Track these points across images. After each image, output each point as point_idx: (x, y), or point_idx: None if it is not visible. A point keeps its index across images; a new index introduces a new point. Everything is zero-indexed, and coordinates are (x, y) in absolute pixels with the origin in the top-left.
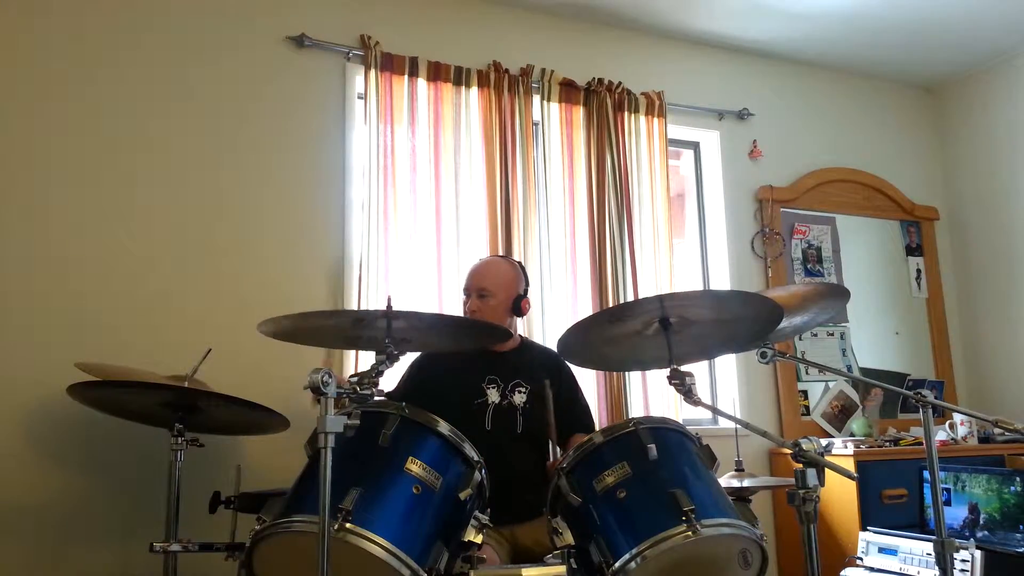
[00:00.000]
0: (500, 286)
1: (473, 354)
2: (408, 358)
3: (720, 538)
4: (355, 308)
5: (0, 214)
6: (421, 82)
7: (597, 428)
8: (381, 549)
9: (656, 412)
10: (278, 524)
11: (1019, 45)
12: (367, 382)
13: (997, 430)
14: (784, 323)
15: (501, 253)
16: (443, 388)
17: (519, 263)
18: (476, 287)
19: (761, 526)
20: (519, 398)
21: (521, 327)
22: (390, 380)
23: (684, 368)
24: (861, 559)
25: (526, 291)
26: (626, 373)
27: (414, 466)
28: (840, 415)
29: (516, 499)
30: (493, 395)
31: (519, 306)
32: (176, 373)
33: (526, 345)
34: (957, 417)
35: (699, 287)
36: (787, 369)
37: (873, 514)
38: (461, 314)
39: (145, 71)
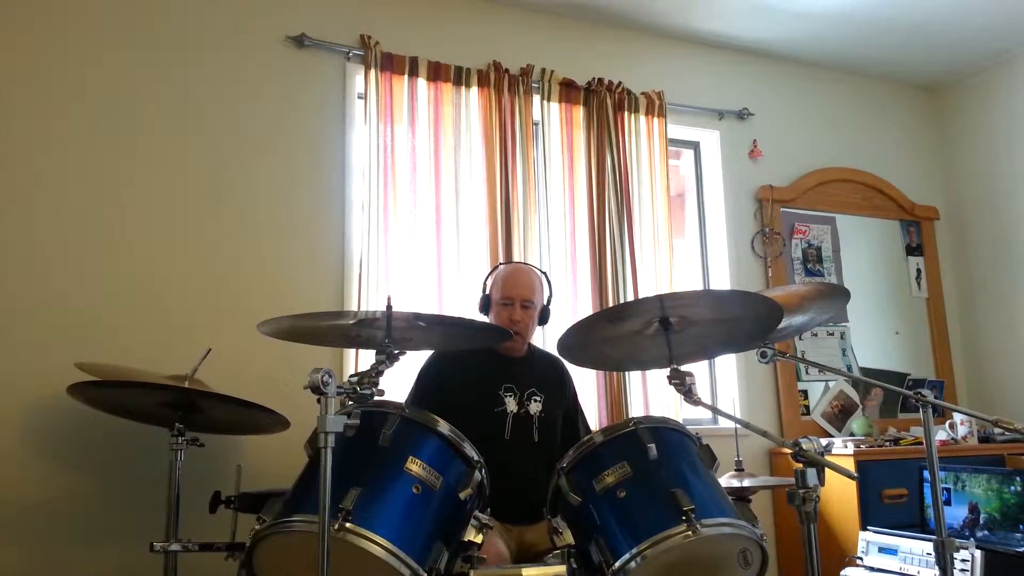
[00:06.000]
0: (540, 297)
1: (487, 361)
2: (410, 359)
3: (720, 538)
4: (355, 308)
5: (0, 214)
6: (421, 82)
7: (597, 429)
8: (381, 549)
9: (656, 412)
10: (278, 524)
11: (1019, 45)
12: (367, 382)
13: (997, 430)
14: (784, 323)
15: (502, 251)
16: (462, 397)
17: (541, 270)
18: (522, 297)
19: (761, 526)
20: (535, 407)
21: None
22: (392, 383)
23: (684, 368)
24: (861, 559)
25: (550, 299)
26: (626, 373)
27: (414, 466)
28: (840, 415)
29: (525, 503)
30: (511, 404)
31: (545, 315)
32: (176, 373)
33: (533, 352)
34: (957, 417)
35: (699, 287)
36: (787, 369)
37: (873, 514)
38: (468, 316)
39: (145, 71)
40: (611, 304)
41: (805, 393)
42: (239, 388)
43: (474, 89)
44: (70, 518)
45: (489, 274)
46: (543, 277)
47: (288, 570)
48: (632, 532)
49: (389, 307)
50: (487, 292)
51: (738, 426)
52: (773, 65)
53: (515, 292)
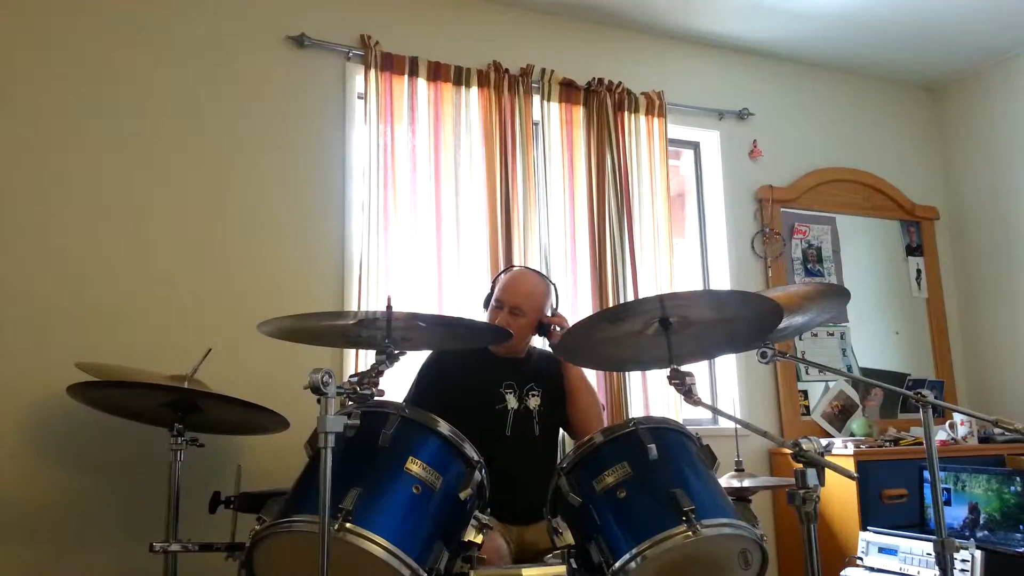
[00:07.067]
0: (533, 307)
1: (487, 360)
2: (410, 359)
3: (720, 538)
4: (355, 308)
5: (0, 214)
6: (421, 82)
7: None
8: (381, 549)
9: (656, 412)
10: (278, 524)
11: (1019, 45)
12: (367, 382)
13: (997, 430)
14: (784, 323)
15: (502, 251)
16: (463, 395)
17: (551, 282)
18: (511, 303)
19: (761, 526)
20: (534, 402)
21: None
22: (393, 383)
23: (684, 368)
24: (861, 559)
25: (555, 311)
26: (626, 373)
27: (414, 466)
28: (840, 415)
29: (528, 502)
30: (512, 401)
31: (544, 327)
32: (176, 373)
33: (532, 352)
34: (957, 417)
35: (699, 287)
36: (787, 369)
37: (873, 514)
38: (468, 316)
39: (145, 71)
40: (611, 304)
41: (805, 393)
42: (239, 388)
43: (474, 89)
44: (70, 518)
45: (500, 273)
46: (549, 288)
47: (288, 570)
48: (632, 532)
49: (389, 307)
50: (492, 290)
51: (738, 426)
52: (773, 65)
53: (506, 297)
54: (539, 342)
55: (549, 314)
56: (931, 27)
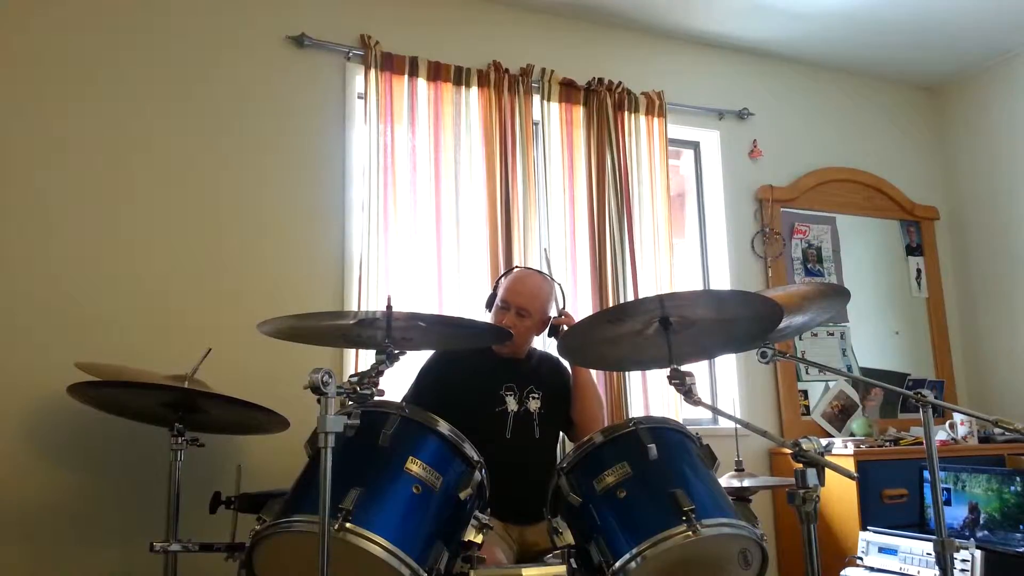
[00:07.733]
0: (538, 308)
1: (488, 361)
2: (410, 359)
3: (720, 538)
4: (355, 308)
5: (0, 214)
6: (421, 82)
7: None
8: (381, 549)
9: (656, 412)
10: (278, 524)
11: (1019, 45)
12: (367, 382)
13: (997, 430)
14: (784, 323)
15: (502, 251)
16: (463, 397)
17: (556, 281)
18: (517, 304)
19: (761, 526)
20: (534, 404)
21: None
22: (392, 383)
23: (684, 368)
24: (861, 559)
25: (562, 310)
26: (626, 373)
27: (414, 466)
28: (840, 415)
29: (529, 503)
30: (512, 403)
31: (554, 328)
32: (176, 373)
33: (532, 353)
34: (957, 417)
35: (699, 287)
36: (787, 369)
37: (873, 514)
38: (468, 316)
39: (145, 71)
40: (611, 304)
41: (805, 393)
42: (239, 388)
43: (474, 89)
44: (70, 518)
45: (503, 275)
46: (553, 288)
47: (288, 570)
48: (632, 532)
49: (389, 307)
50: (495, 291)
51: (738, 426)
52: (773, 65)
53: (512, 298)
54: (540, 343)
55: (556, 314)
56: (931, 27)
